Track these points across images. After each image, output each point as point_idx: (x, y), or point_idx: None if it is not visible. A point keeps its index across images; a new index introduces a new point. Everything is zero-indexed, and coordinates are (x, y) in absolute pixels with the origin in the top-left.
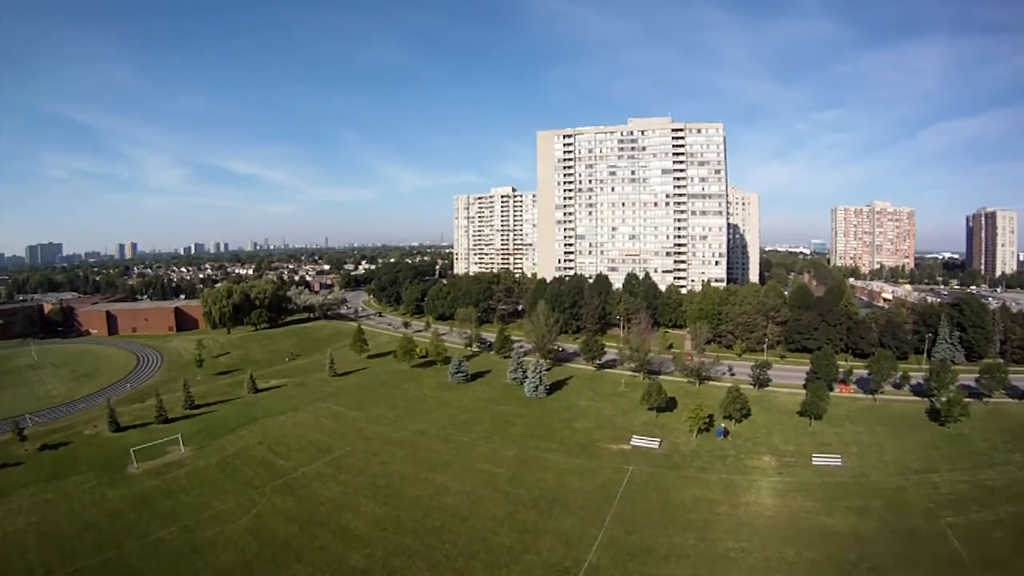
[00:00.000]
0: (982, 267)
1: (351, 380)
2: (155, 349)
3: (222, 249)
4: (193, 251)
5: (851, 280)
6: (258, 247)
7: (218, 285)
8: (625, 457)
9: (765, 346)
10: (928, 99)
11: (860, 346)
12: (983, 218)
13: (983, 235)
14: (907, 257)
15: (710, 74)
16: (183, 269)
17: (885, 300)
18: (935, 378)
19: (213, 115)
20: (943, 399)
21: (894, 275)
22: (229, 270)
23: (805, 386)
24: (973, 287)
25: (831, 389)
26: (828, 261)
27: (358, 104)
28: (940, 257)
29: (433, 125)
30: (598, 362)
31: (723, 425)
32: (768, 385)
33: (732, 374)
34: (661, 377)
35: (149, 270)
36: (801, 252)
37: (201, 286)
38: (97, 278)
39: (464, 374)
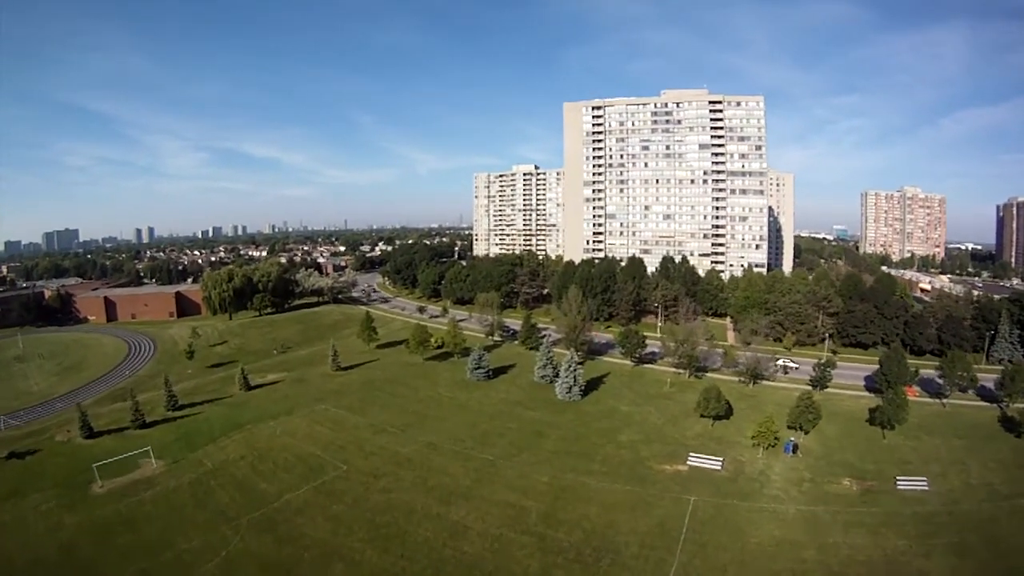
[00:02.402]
0: (1012, 259)
1: (356, 376)
2: (150, 337)
3: (240, 232)
4: (211, 234)
5: (883, 269)
6: (276, 230)
7: (220, 269)
8: (683, 482)
9: (821, 340)
10: (949, 85)
11: (918, 342)
12: (1015, 208)
13: (1014, 225)
14: (937, 247)
15: (727, 56)
16: (195, 252)
17: (923, 291)
18: (1009, 383)
19: (230, 100)
20: (1015, 406)
21: (925, 265)
22: (242, 252)
23: (868, 388)
24: (1006, 280)
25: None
26: (856, 248)
27: (374, 86)
28: (963, 247)
29: (450, 107)
30: (636, 356)
31: (792, 439)
32: (827, 386)
33: (786, 372)
34: (709, 375)
35: (161, 254)
36: (824, 238)
37: (209, 269)
38: (108, 263)
39: (485, 370)
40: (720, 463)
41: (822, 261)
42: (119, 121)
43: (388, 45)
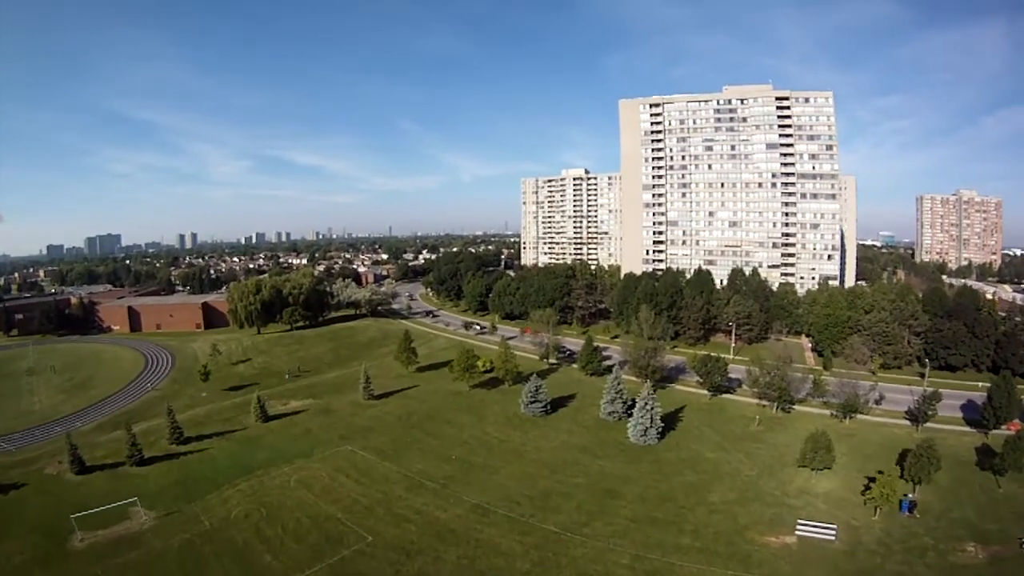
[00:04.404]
0: None
1: (391, 406)
2: (171, 351)
3: (283, 239)
4: (254, 240)
5: (944, 278)
6: (320, 236)
7: (248, 280)
8: (794, 561)
9: (907, 363)
10: (992, 83)
11: (1010, 364)
12: None
13: None
14: (994, 254)
15: (767, 59)
16: (235, 259)
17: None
18: None
19: (273, 109)
20: None
21: (983, 273)
22: (281, 260)
23: (968, 422)
24: None
25: (998, 425)
26: (912, 255)
27: (417, 93)
28: (1015, 253)
29: (492, 113)
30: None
31: (909, 495)
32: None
33: (878, 403)
34: (797, 408)
35: (200, 260)
36: (873, 245)
37: (243, 277)
38: (143, 269)
39: (543, 404)
40: (833, 532)
41: (883, 272)
42: (162, 128)
43: (429, 52)
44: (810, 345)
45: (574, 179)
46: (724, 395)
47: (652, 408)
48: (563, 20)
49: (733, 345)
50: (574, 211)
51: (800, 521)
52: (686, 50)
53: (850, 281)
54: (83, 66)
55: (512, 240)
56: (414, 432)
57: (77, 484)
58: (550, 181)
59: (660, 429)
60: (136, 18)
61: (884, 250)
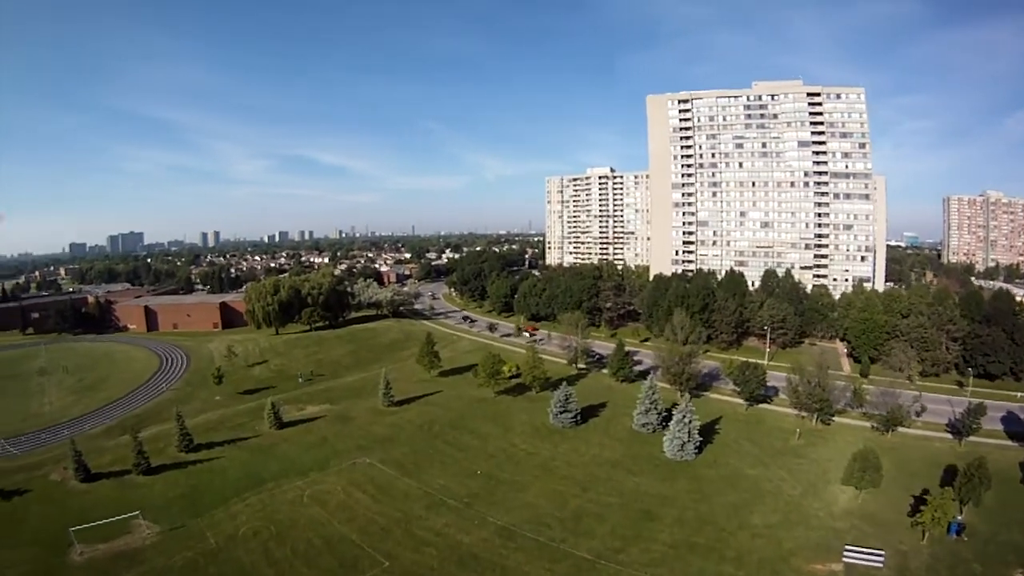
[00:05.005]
0: None
1: (412, 414)
2: (186, 351)
3: (306, 237)
4: (277, 239)
5: (972, 280)
6: (343, 235)
7: (265, 280)
8: None
9: (945, 370)
10: (1017, 82)
11: None
12: None
13: None
14: (1022, 255)
15: (787, 58)
16: (256, 258)
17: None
18: None
19: (295, 109)
20: None
21: (1011, 275)
22: (303, 259)
23: (1010, 435)
24: None
25: None
26: (939, 256)
27: (438, 92)
28: None
29: (514, 113)
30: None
31: (958, 518)
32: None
33: (919, 415)
34: (836, 419)
35: (222, 259)
36: (898, 246)
37: (263, 276)
38: (164, 267)
39: (573, 414)
40: (882, 559)
41: (911, 274)
42: (182, 127)
43: (448, 52)
44: (845, 350)
45: (599, 178)
46: (761, 404)
47: (690, 421)
48: (583, 19)
49: (767, 350)
50: (600, 210)
51: (847, 547)
52: (707, 49)
53: (879, 283)
54: (100, 65)
55: (536, 239)
56: (436, 443)
57: (81, 492)
58: (575, 180)
59: (698, 443)
60: (154, 18)
61: (909, 251)
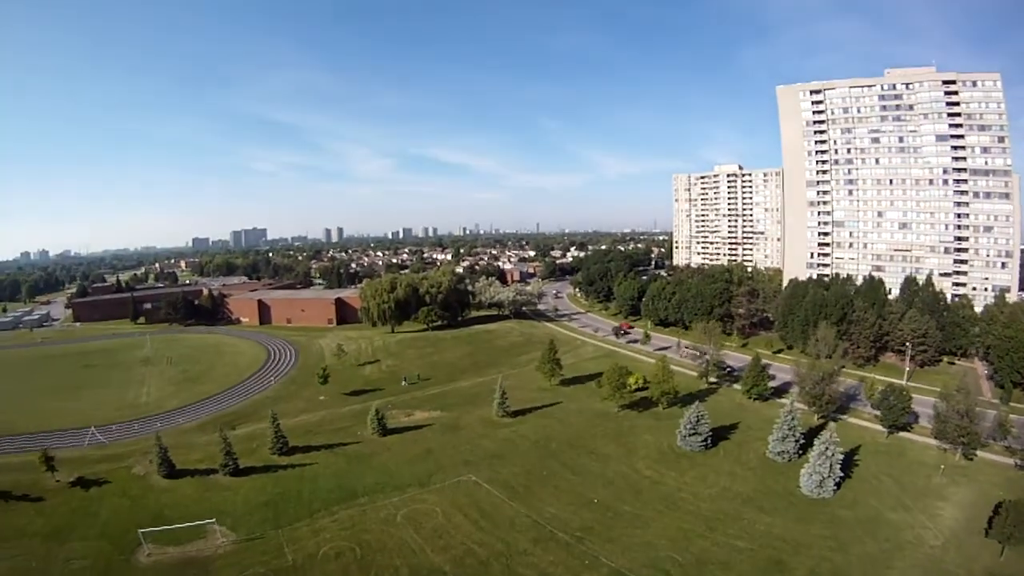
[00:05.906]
0: None
1: (527, 427)
2: (296, 347)
3: (430, 234)
4: (400, 235)
5: None
6: (467, 232)
7: (382, 277)
8: None
9: None
10: None
11: None
12: None
13: None
14: None
15: (902, 48)
16: (378, 253)
17: None
18: None
19: (418, 110)
20: None
21: None
22: (426, 255)
23: None
24: None
25: None
26: None
27: (557, 92)
28: None
29: (631, 109)
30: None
31: None
32: None
33: None
34: (979, 453)
35: (344, 254)
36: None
37: (384, 272)
38: (285, 262)
39: (703, 437)
40: None
41: None
42: (306, 130)
43: (567, 50)
44: (986, 372)
45: (728, 176)
46: (901, 432)
47: (832, 454)
48: (696, 14)
49: (907, 369)
50: (728, 209)
51: None
52: (821, 39)
53: (1015, 293)
54: (238, 77)
55: (661, 239)
56: (551, 463)
57: (162, 489)
58: (703, 178)
59: (838, 479)
60: (275, 26)
61: None
